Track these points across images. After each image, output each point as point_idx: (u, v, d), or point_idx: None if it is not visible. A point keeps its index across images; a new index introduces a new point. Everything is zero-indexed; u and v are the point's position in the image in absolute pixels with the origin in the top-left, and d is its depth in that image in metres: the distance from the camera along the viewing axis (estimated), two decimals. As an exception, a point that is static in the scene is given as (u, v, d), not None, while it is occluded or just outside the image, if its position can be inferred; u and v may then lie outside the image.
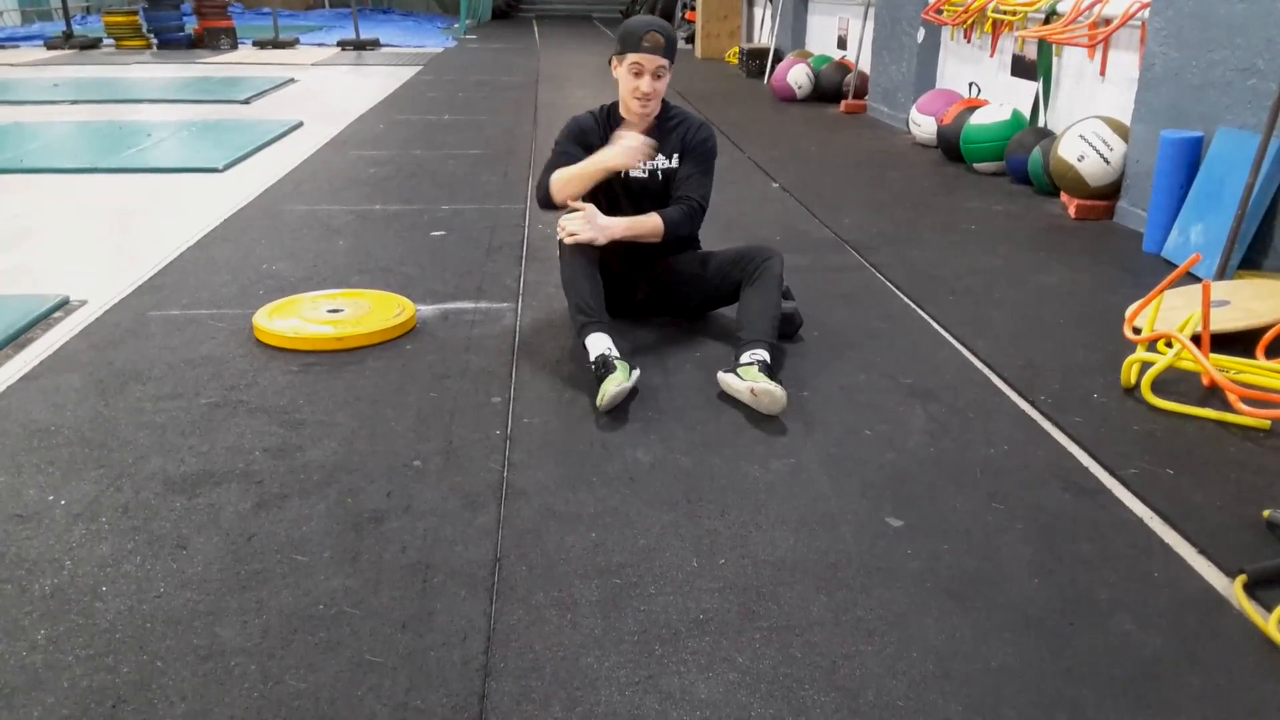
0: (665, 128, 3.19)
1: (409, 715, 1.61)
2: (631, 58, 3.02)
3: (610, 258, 3.06)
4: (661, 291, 3.31)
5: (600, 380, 2.69)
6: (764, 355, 2.81)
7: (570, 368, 2.99)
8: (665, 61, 3.04)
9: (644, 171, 3.19)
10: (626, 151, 2.98)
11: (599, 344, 2.81)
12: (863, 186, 5.60)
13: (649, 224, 3.07)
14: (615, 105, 3.20)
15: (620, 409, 2.70)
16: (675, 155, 3.19)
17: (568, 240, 2.95)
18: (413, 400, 2.76)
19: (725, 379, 2.79)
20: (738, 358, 2.83)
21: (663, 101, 3.22)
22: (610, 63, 3.14)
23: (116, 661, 1.71)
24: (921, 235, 4.54)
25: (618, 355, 2.78)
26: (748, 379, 2.70)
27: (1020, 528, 2.17)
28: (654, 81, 3.04)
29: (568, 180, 3.04)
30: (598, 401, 2.66)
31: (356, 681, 1.68)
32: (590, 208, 3.00)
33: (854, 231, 4.59)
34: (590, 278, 2.95)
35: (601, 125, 3.20)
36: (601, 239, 2.98)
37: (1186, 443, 2.56)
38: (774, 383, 2.66)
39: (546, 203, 3.11)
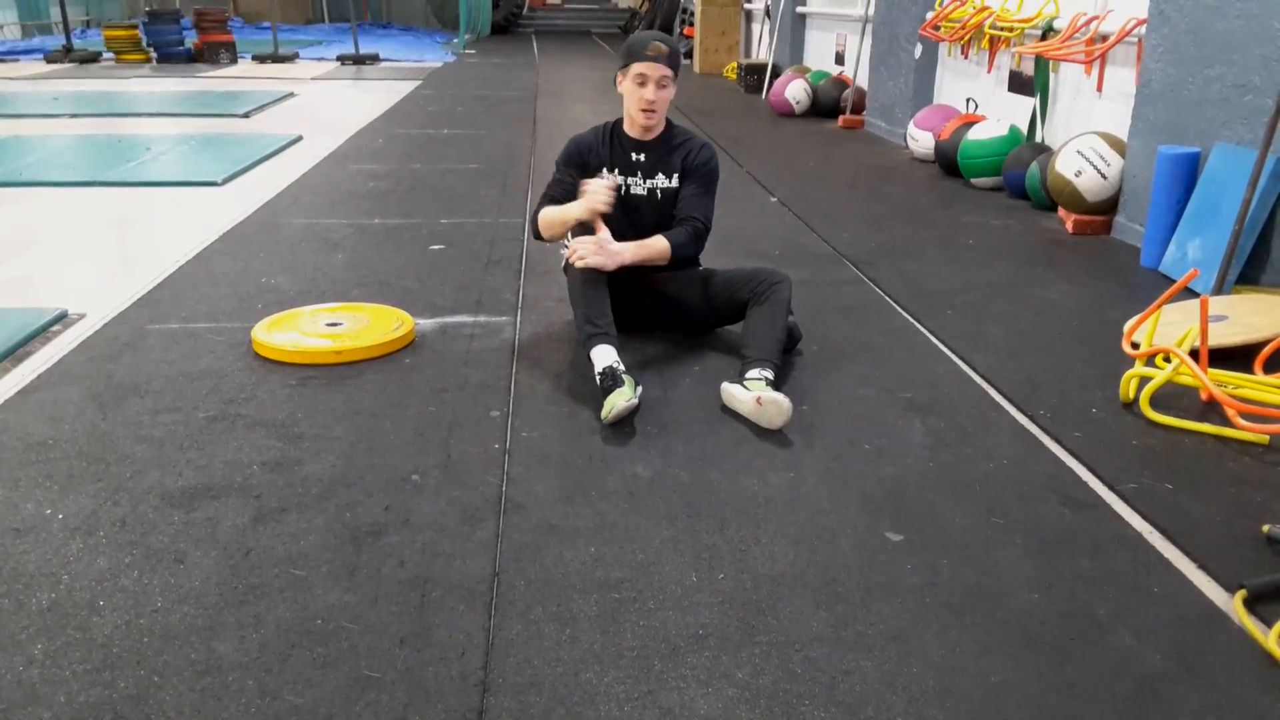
0: (668, 147, 3.21)
1: (407, 731, 1.60)
2: (636, 68, 3.06)
3: (614, 272, 3.07)
4: (663, 307, 3.32)
5: (607, 392, 2.69)
6: (769, 374, 2.80)
7: (569, 381, 2.99)
8: (669, 71, 3.06)
9: (643, 189, 3.20)
10: (590, 201, 2.99)
11: (605, 356, 2.80)
12: (861, 201, 5.61)
13: (656, 247, 3.09)
14: (619, 122, 3.22)
15: (620, 422, 2.69)
16: (675, 175, 3.20)
17: (578, 264, 2.96)
18: (411, 414, 2.76)
19: (729, 389, 2.80)
20: (742, 374, 2.83)
21: (668, 121, 3.24)
22: (615, 80, 3.17)
23: (114, 676, 1.71)
24: (920, 250, 4.55)
25: (624, 370, 2.78)
26: (754, 390, 2.70)
27: (1019, 542, 2.17)
28: (658, 91, 3.06)
29: (550, 224, 3.14)
30: (603, 414, 2.66)
31: (354, 697, 1.67)
32: (604, 233, 3.02)
33: (852, 246, 4.60)
34: (599, 290, 2.95)
35: (603, 142, 3.22)
36: (611, 264, 2.99)
37: (1185, 457, 2.57)
38: (780, 393, 2.66)
39: (539, 237, 3.22)
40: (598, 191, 2.99)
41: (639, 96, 3.07)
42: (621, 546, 2.13)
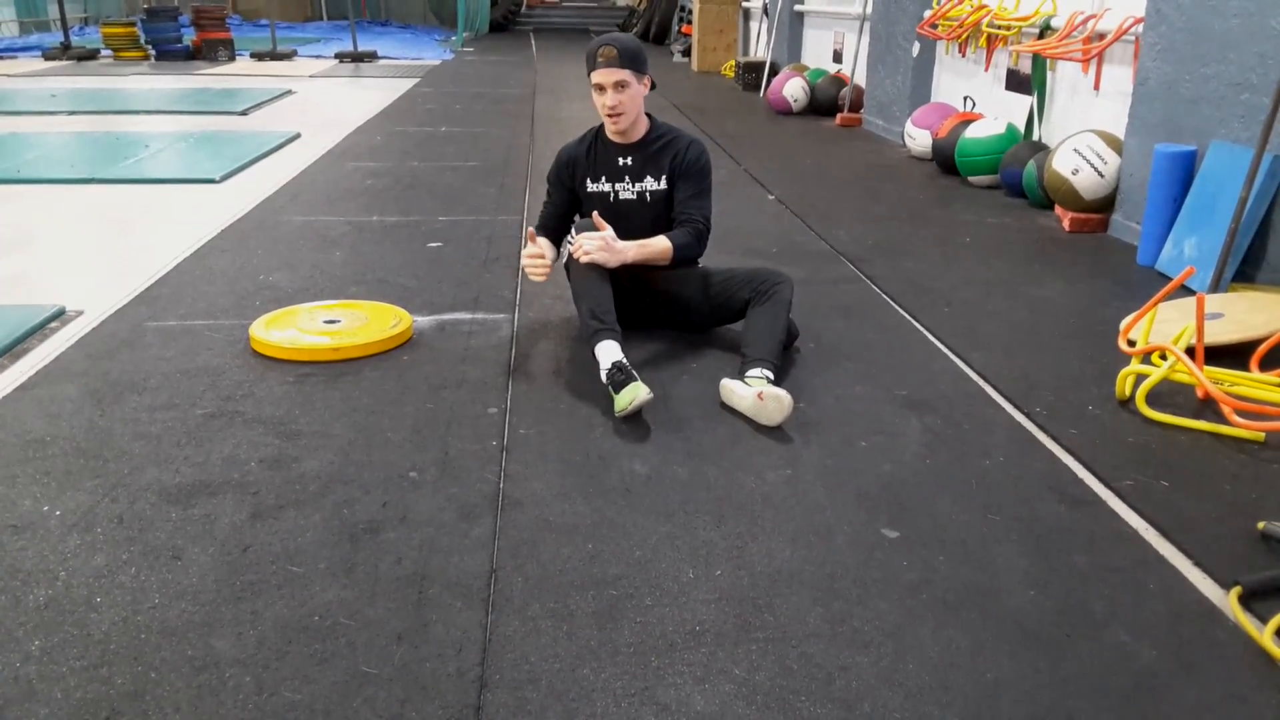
0: (655, 146, 3.20)
1: (404, 727, 1.60)
2: (592, 78, 3.08)
3: (615, 270, 3.07)
4: (663, 304, 3.31)
5: (619, 386, 2.68)
6: (770, 374, 2.81)
7: (567, 378, 3.00)
8: (624, 74, 3.04)
9: (633, 194, 3.20)
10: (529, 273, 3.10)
11: (612, 352, 2.80)
12: (858, 199, 5.62)
13: (658, 247, 3.10)
14: (603, 127, 3.23)
15: (618, 419, 2.69)
16: (664, 177, 3.20)
17: (582, 259, 2.96)
18: (409, 411, 2.76)
19: (729, 385, 2.80)
20: (742, 372, 2.83)
21: (652, 119, 3.24)
22: None
23: (111, 673, 1.71)
24: (917, 248, 4.55)
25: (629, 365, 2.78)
26: (755, 386, 2.71)
27: (1015, 539, 2.17)
28: (616, 94, 3.06)
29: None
30: (619, 408, 2.66)
31: (352, 693, 1.67)
32: (609, 231, 3.02)
33: (849, 244, 4.60)
34: (603, 287, 2.96)
35: (587, 152, 3.25)
36: (614, 262, 3.00)
37: (1181, 455, 2.57)
38: (781, 389, 2.67)
39: None
40: (529, 264, 3.09)
41: (601, 104, 3.10)
42: (619, 543, 2.13)
